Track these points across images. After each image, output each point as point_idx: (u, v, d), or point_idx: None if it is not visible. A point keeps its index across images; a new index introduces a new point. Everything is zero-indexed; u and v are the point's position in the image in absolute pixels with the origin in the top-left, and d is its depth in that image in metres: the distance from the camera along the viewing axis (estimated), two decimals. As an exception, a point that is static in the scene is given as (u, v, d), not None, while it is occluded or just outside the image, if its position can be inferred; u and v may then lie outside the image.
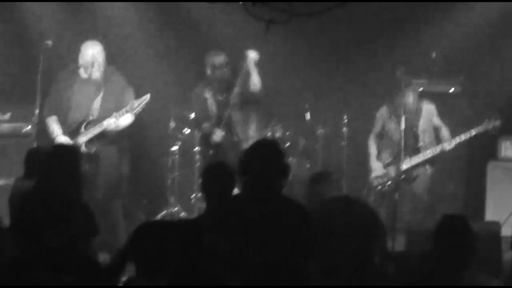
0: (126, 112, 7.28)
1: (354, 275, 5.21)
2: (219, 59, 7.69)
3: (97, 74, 7.41)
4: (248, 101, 7.72)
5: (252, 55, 7.53)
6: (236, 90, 7.65)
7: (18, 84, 8.48)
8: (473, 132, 7.70)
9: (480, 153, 8.40)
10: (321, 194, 5.61)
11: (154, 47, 8.93)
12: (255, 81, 7.57)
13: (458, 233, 4.32)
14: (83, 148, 7.25)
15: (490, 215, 7.92)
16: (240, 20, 7.99)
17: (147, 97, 7.29)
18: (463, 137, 7.71)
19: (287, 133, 8.32)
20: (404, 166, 7.60)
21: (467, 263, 4.26)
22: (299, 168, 8.47)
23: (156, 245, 3.88)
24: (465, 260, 4.25)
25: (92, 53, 7.40)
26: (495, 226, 6.73)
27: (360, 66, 8.82)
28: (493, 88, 8.37)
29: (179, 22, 8.92)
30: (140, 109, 7.29)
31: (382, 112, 7.99)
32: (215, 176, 5.24)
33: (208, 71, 7.75)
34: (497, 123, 7.68)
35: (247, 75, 7.55)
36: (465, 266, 4.25)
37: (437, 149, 7.77)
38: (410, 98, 7.70)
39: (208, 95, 7.81)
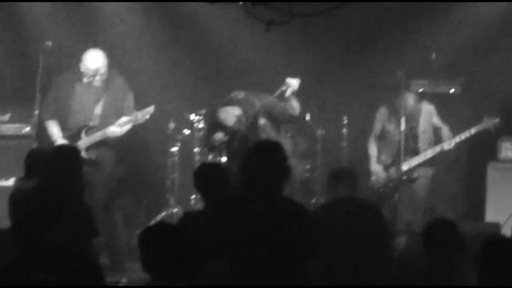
0: (129, 122, 7.29)
1: (358, 275, 5.23)
2: (234, 111, 7.64)
3: (99, 83, 7.41)
4: (280, 124, 7.67)
5: (293, 83, 7.38)
6: (264, 119, 7.58)
7: (17, 85, 8.48)
8: (472, 131, 7.71)
9: (480, 154, 8.39)
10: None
11: (153, 48, 8.92)
12: (294, 108, 7.49)
13: (444, 237, 4.36)
14: (84, 154, 7.23)
15: (490, 216, 7.90)
16: (240, 20, 8.00)
17: (151, 109, 7.29)
18: (462, 136, 7.71)
19: (288, 134, 8.32)
20: (405, 167, 7.60)
21: (457, 264, 4.28)
22: (299, 169, 8.47)
23: (164, 247, 3.89)
24: (454, 261, 4.28)
25: (95, 67, 7.36)
26: (495, 227, 6.73)
27: (360, 67, 8.81)
28: (493, 89, 8.36)
29: (179, 23, 8.91)
30: (144, 120, 7.30)
31: (382, 113, 7.98)
32: (203, 176, 5.43)
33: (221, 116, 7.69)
34: (496, 121, 7.69)
35: (286, 101, 7.44)
36: (455, 267, 4.27)
37: (436, 149, 7.77)
38: (410, 100, 7.71)
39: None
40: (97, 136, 7.30)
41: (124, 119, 7.29)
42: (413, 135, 7.75)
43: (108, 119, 7.33)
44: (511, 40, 8.46)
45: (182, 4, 8.72)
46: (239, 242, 4.43)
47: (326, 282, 5.17)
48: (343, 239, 5.35)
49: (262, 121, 7.63)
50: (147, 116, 7.29)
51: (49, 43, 7.56)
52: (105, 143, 7.35)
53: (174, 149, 8.81)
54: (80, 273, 3.90)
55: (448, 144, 7.71)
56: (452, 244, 4.36)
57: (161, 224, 4.28)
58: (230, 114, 7.64)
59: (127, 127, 7.38)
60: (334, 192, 5.80)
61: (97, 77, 7.37)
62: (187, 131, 8.82)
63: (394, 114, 7.82)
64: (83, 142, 7.31)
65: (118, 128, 7.27)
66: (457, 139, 7.71)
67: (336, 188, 5.79)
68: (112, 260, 7.25)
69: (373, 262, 5.37)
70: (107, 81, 7.45)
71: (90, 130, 7.34)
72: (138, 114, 7.29)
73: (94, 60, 7.39)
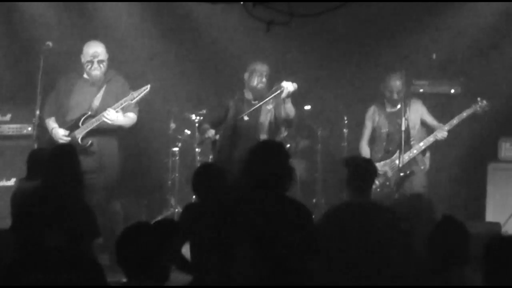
0: (126, 102, 7.26)
1: (371, 276, 5.20)
2: (262, 67, 7.47)
3: (97, 72, 7.39)
4: (280, 125, 7.54)
5: (289, 87, 7.18)
6: (267, 114, 7.46)
7: (18, 86, 8.48)
8: (463, 115, 7.73)
9: (480, 154, 8.41)
10: None
11: (154, 48, 8.93)
12: (289, 111, 7.30)
13: (453, 234, 4.35)
14: (79, 142, 7.22)
15: (490, 216, 7.92)
16: (240, 20, 8.01)
17: (147, 87, 7.27)
18: (454, 121, 7.73)
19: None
20: (400, 163, 7.62)
21: (461, 262, 4.28)
22: (299, 169, 8.49)
23: (141, 247, 3.86)
24: (459, 259, 4.29)
25: (93, 50, 7.39)
26: (496, 227, 6.75)
27: (361, 67, 8.82)
28: (493, 89, 8.36)
29: (179, 23, 8.92)
30: (140, 99, 7.26)
31: (370, 112, 7.97)
32: (201, 179, 5.53)
33: (246, 75, 7.49)
34: (484, 103, 7.72)
35: (281, 103, 7.30)
36: (459, 265, 4.27)
37: (430, 140, 7.78)
38: (397, 83, 7.71)
39: (232, 103, 7.55)
40: (93, 121, 7.27)
41: (120, 101, 7.27)
42: (406, 129, 7.69)
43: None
44: (511, 40, 8.47)
45: (183, 4, 8.73)
46: (240, 242, 4.43)
47: (336, 282, 5.15)
48: (357, 242, 5.30)
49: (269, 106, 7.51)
50: (143, 95, 7.25)
51: (49, 43, 7.57)
52: (104, 131, 7.32)
53: (175, 149, 8.83)
54: (80, 273, 3.91)
55: (441, 131, 7.71)
56: (457, 243, 4.35)
57: (139, 225, 4.10)
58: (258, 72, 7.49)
59: (127, 118, 7.36)
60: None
61: (96, 65, 7.37)
62: (188, 131, 8.84)
63: (382, 108, 7.84)
64: (80, 130, 7.29)
65: (114, 111, 7.24)
66: (448, 126, 7.72)
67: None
68: (112, 260, 7.25)
69: (391, 266, 5.32)
70: (107, 78, 7.45)
71: (87, 119, 7.32)
72: (134, 93, 7.28)
73: (93, 45, 7.44)
